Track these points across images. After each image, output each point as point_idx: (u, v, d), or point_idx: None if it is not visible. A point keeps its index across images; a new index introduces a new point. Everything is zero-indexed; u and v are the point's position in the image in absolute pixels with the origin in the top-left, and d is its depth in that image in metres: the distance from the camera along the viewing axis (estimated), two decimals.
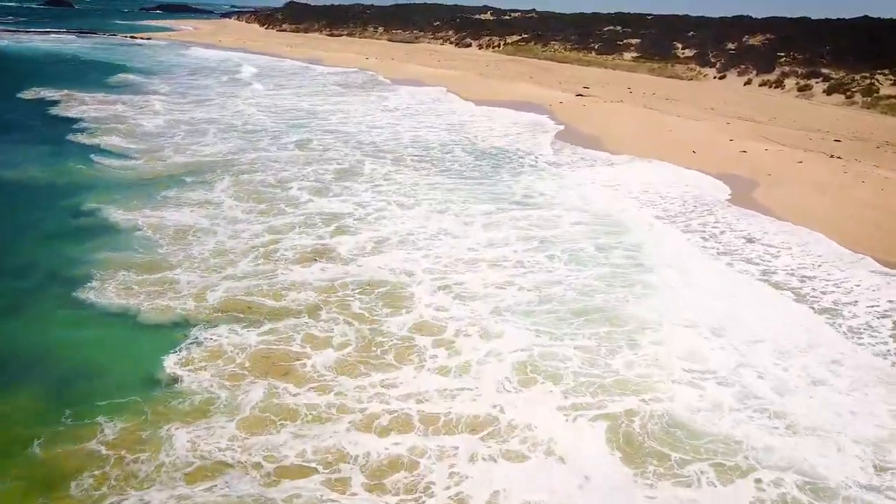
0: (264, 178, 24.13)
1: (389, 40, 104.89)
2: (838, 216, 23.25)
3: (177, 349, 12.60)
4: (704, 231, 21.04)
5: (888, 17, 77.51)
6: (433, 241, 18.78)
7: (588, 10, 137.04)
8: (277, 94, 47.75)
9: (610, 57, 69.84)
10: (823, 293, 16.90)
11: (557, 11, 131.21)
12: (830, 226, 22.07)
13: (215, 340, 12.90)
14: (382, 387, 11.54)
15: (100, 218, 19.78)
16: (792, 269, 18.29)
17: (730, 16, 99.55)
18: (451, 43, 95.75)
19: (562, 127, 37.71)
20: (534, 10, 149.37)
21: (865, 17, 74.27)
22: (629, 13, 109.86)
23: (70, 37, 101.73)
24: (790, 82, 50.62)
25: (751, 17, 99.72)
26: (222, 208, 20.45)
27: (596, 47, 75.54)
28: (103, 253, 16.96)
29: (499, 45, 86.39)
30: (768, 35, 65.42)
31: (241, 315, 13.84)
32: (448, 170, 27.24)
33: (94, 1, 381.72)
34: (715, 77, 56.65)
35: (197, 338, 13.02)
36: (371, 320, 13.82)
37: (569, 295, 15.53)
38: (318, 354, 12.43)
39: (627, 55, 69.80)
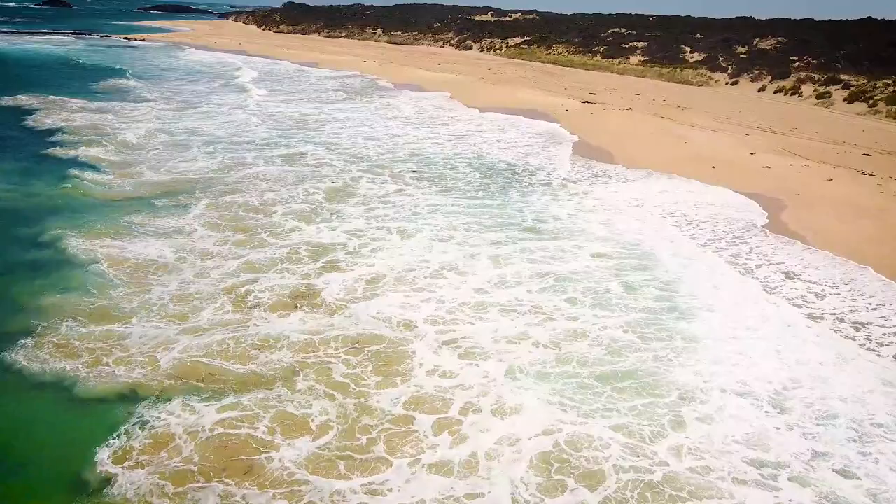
0: (247, 201, 21.61)
1: (388, 42, 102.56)
2: (884, 245, 20.82)
3: (115, 434, 10.11)
4: (738, 263, 18.61)
5: (893, 18, 75.34)
6: (436, 279, 16.29)
7: (589, 11, 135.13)
8: (270, 100, 45.25)
9: (616, 61, 67.44)
10: (881, 344, 14.48)
11: (558, 12, 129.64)
12: (877, 257, 19.63)
13: (164, 420, 10.41)
14: (366, 493, 9.04)
15: (58, 249, 17.30)
16: (842, 314, 15.85)
17: (733, 16, 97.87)
18: (452, 45, 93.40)
19: (573, 138, 35.29)
20: (535, 11, 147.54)
21: (869, 18, 72.14)
22: (630, 14, 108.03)
23: (64, 38, 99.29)
24: (807, 89, 48.14)
25: (755, 18, 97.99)
26: (193, 238, 17.91)
27: (601, 51, 73.11)
28: (51, 296, 14.50)
29: (500, 48, 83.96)
30: (780, 38, 62.98)
31: (200, 384, 11.35)
32: (451, 189, 24.76)
33: (93, 1, 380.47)
34: (727, 83, 54.18)
35: (142, 417, 10.53)
36: (358, 393, 11.31)
37: (595, 353, 13.04)
38: (290, 444, 9.92)
39: (634, 59, 67.36)
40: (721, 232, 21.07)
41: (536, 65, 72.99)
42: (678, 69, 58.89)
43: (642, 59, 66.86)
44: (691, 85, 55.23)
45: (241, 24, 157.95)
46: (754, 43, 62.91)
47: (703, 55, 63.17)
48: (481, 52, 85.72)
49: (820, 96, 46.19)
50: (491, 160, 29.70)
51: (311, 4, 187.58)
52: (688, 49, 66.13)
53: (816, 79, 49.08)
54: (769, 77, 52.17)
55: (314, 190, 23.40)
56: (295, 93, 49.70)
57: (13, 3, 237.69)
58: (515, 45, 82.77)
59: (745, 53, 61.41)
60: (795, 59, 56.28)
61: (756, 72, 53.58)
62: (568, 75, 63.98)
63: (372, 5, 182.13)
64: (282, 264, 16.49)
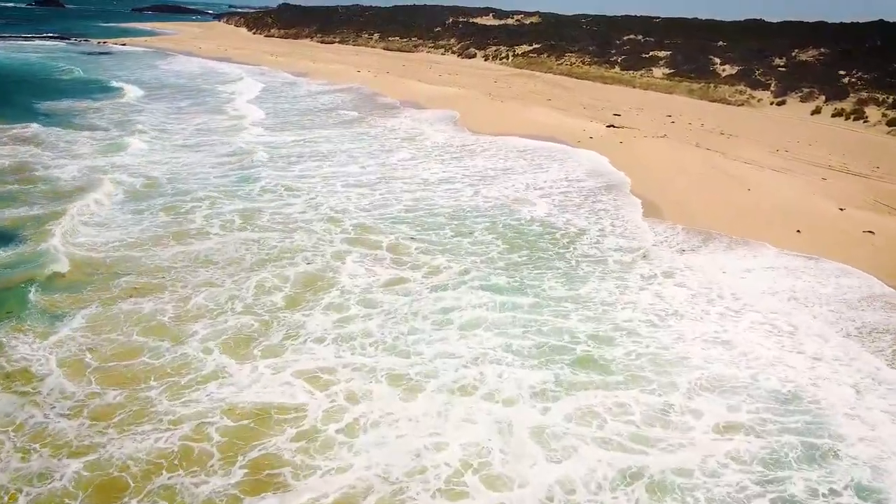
0: (158, 309, 14.64)
1: (385, 49, 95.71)
2: None
3: None
4: None
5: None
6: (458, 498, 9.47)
7: (591, 12, 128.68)
8: (244, 126, 38.43)
9: (637, 74, 60.61)
10: None
11: (560, 13, 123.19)
12: None
13: None
14: None
15: None
16: None
17: (743, 18, 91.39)
18: (454, 53, 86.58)
19: (612, 179, 28.49)
20: (537, 12, 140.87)
21: (881, 20, 65.87)
22: (635, 16, 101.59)
23: (36, 43, 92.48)
24: (874, 113, 41.30)
25: (763, 20, 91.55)
26: (35, 399, 10.97)
27: (619, 61, 66.32)
28: None
29: (507, 57, 77.16)
30: (822, 49, 56.29)
31: None
32: (468, 272, 17.94)
33: (88, 1, 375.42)
34: (772, 102, 47.40)
35: None
36: None
37: None
38: None
39: (658, 71, 60.57)
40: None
41: (547, 76, 66.18)
42: (711, 85, 52.01)
43: (667, 71, 60.03)
44: (729, 104, 48.43)
45: (232, 26, 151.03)
46: (793, 54, 56.20)
47: (737, 68, 56.38)
48: (486, 60, 78.93)
49: (892, 122, 39.34)
50: (518, 218, 22.92)
51: (306, 6, 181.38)
52: (717, 60, 59.36)
53: (881, 100, 42.28)
54: (822, 96, 45.35)
55: (274, 283, 16.53)
56: (273, 114, 42.79)
57: (10, 3, 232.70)
58: (523, 54, 75.90)
59: (783, 66, 54.70)
60: (844, 73, 49.65)
61: (805, 90, 46.74)
62: (584, 90, 57.19)
63: (371, 6, 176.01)
64: (162, 476, 9.51)
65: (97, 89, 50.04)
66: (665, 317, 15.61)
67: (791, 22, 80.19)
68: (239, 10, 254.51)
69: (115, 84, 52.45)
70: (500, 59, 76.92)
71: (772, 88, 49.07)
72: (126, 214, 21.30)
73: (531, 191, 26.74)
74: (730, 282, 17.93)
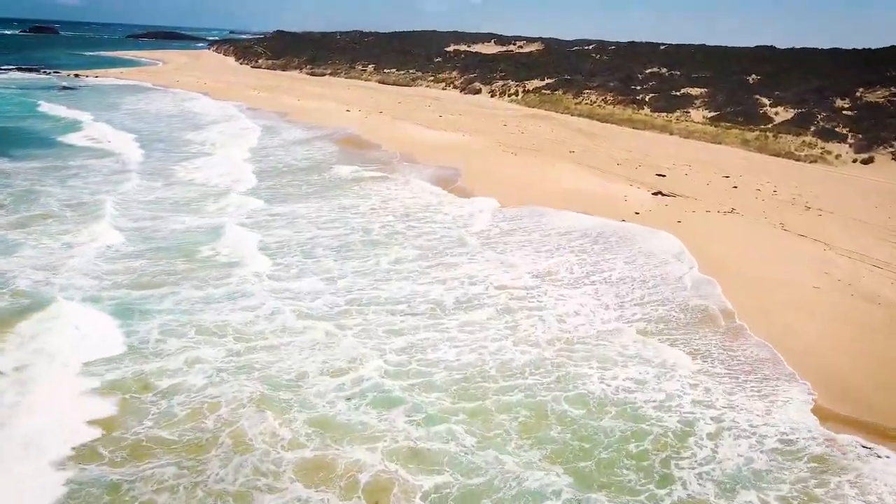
0: None
1: (380, 82, 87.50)
2: None
3: None
4: None
5: None
6: None
7: (592, 37, 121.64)
8: (169, 198, 29.59)
9: (673, 117, 52.00)
10: None
11: (561, 38, 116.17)
12: None
13: None
14: None
15: None
16: None
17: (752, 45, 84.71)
18: (456, 87, 78.31)
19: (719, 302, 19.43)
20: (540, 38, 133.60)
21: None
22: (640, 42, 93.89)
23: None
24: None
25: (773, 46, 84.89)
26: None
27: (647, 100, 57.82)
28: None
29: (516, 93, 68.77)
30: (893, 88, 47.70)
31: None
32: None
33: (83, 27, 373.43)
34: (855, 160, 38.58)
35: None
36: None
37: None
38: None
39: (696, 114, 52.02)
40: None
41: (565, 118, 57.64)
42: (769, 134, 43.23)
43: (708, 114, 51.44)
44: (796, 160, 39.63)
45: (221, 55, 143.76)
46: (857, 94, 47.65)
47: (792, 111, 47.79)
48: (492, 96, 70.57)
49: None
50: (580, 392, 13.95)
51: (302, 32, 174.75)
52: (766, 101, 50.85)
53: None
54: None
55: None
56: (236, 178, 33.98)
57: (8, 31, 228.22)
58: (535, 90, 67.44)
59: (849, 108, 46.13)
60: None
61: None
62: (612, 137, 48.58)
63: (372, 31, 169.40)
64: None
65: (26, 139, 41.40)
66: None
67: (843, 50, 72.49)
68: (240, 35, 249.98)
69: (54, 137, 43.69)
70: (509, 96, 68.51)
71: (849, 141, 40.34)
72: None
73: (592, 323, 17.76)
74: None
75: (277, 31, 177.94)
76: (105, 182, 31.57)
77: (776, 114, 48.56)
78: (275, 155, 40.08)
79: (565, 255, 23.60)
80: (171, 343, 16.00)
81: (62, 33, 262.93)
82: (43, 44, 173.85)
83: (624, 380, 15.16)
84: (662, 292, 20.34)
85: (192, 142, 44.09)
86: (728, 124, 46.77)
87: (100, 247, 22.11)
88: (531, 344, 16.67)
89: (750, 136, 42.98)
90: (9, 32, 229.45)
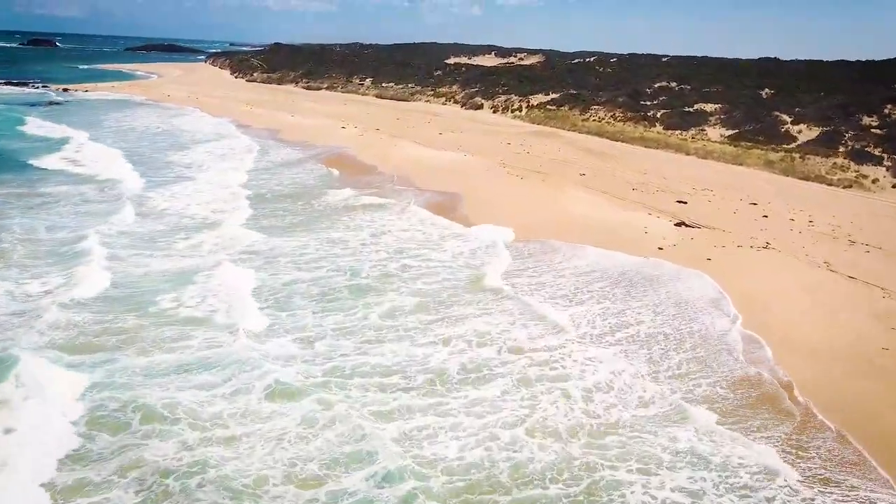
0: None
1: (378, 97, 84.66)
2: None
3: None
4: None
5: None
6: None
7: (591, 49, 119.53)
8: (136, 233, 26.42)
9: (688, 135, 48.91)
10: None
11: (561, 50, 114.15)
12: None
13: None
14: None
15: None
16: None
17: (756, 57, 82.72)
18: (457, 102, 75.40)
19: (775, 374, 16.08)
20: (540, 50, 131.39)
21: None
22: (643, 54, 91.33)
23: None
24: None
25: (777, 58, 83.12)
26: None
27: (658, 116, 54.77)
28: None
29: (520, 109, 65.80)
30: None
31: None
32: None
33: (85, 40, 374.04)
34: (894, 185, 35.42)
35: None
36: None
37: None
38: None
39: (713, 132, 48.91)
40: None
41: (572, 136, 54.57)
42: (794, 155, 40.00)
43: (725, 132, 48.32)
44: (830, 185, 36.43)
45: (217, 68, 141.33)
46: (886, 111, 44.56)
47: (816, 129, 44.68)
48: (494, 112, 67.60)
49: None
50: None
51: (300, 44, 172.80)
52: (786, 118, 47.78)
53: None
54: None
55: None
56: (216, 206, 30.83)
57: (8, 44, 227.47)
58: (540, 106, 64.41)
59: (877, 126, 43.02)
60: None
61: None
62: (625, 158, 45.46)
63: (372, 43, 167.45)
64: None
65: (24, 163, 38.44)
66: None
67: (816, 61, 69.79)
68: (240, 48, 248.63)
69: (27, 158, 40.58)
70: (513, 112, 65.53)
71: (885, 163, 37.17)
72: None
73: (625, 403, 14.46)
74: None
75: (275, 43, 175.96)
76: (72, 214, 28.40)
77: (799, 132, 45.47)
78: (260, 179, 36.95)
79: (586, 304, 20.41)
80: (102, 440, 12.74)
81: (61, 46, 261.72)
82: (39, 57, 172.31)
83: (673, 489, 11.88)
84: (704, 356, 17.08)
85: (174, 164, 41.03)
86: (749, 144, 43.64)
87: (38, 293, 18.90)
88: (553, 435, 13.39)
89: (774, 157, 39.82)
90: (7, 45, 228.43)
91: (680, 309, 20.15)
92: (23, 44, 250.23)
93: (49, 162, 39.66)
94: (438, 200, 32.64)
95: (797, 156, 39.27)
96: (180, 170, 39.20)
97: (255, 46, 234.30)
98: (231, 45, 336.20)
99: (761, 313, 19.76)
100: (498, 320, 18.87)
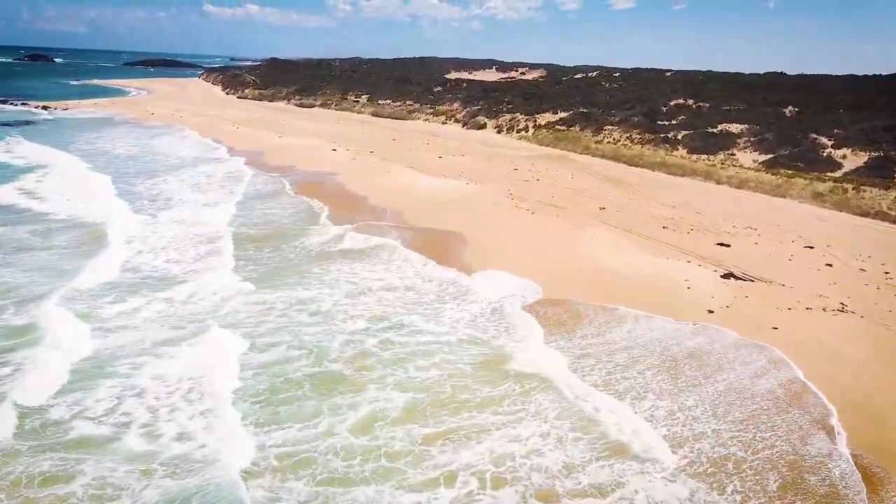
0: None
1: (374, 114, 79.86)
2: None
3: None
4: None
5: None
6: None
7: (592, 63, 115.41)
8: (67, 294, 21.26)
9: (717, 160, 43.84)
10: None
11: (562, 64, 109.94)
12: None
13: None
14: None
15: None
16: None
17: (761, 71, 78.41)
18: (457, 121, 70.56)
19: None
20: (542, 65, 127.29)
21: None
22: (648, 69, 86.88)
23: None
24: None
25: (784, 73, 79.21)
26: None
27: (680, 138, 49.76)
28: None
29: (526, 129, 60.86)
30: None
31: None
32: None
33: (85, 55, 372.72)
34: None
35: None
36: None
37: None
38: None
39: (744, 157, 43.86)
40: None
41: (586, 160, 49.55)
42: (846, 186, 34.83)
43: (758, 157, 43.24)
44: (889, 219, 31.29)
45: (209, 84, 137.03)
46: None
47: (862, 154, 39.62)
48: (498, 132, 62.66)
49: None
50: None
51: (298, 59, 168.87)
52: (826, 140, 42.74)
53: None
54: None
55: None
56: (173, 256, 25.69)
57: (5, 59, 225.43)
58: (548, 126, 59.44)
59: None
60: None
61: None
62: (648, 187, 40.39)
63: (372, 58, 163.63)
64: None
65: None
66: None
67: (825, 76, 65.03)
68: (240, 62, 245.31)
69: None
70: (518, 132, 60.58)
71: None
72: None
73: None
74: None
75: (271, 58, 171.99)
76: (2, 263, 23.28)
77: (843, 157, 40.43)
78: (234, 216, 31.84)
79: (627, 400, 15.22)
80: None
81: (58, 61, 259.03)
82: (32, 72, 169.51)
83: None
84: None
85: (140, 196, 35.98)
86: (789, 171, 38.53)
87: None
88: None
89: (822, 187, 34.67)
90: (5, 60, 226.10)
91: (762, 418, 14.92)
92: (18, 59, 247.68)
93: (1, 194, 34.70)
94: (437, 242, 27.55)
95: (849, 186, 34.17)
96: (146, 204, 34.14)
97: (255, 61, 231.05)
98: (232, 59, 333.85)
99: (868, 421, 14.58)
100: (520, 434, 13.73)
